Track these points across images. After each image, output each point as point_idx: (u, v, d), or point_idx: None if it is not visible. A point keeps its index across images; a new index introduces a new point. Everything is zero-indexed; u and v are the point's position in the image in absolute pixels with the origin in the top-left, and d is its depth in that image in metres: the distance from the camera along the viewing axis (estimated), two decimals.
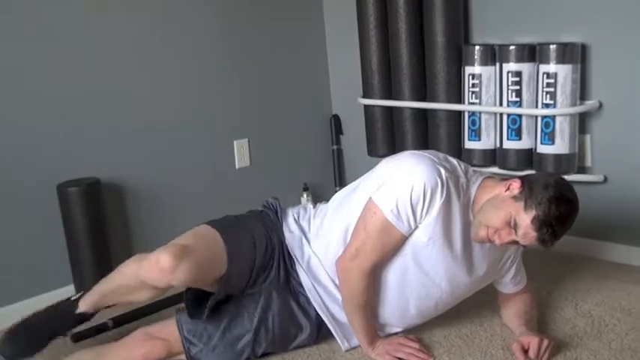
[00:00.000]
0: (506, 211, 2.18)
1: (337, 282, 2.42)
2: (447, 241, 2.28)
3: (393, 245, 2.29)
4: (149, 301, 2.40)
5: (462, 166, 2.33)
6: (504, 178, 2.31)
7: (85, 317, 2.44)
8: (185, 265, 2.17)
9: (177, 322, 2.41)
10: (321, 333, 2.49)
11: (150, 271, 2.18)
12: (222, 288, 2.34)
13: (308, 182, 3.91)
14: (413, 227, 2.25)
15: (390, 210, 2.22)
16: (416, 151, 2.37)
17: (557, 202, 2.13)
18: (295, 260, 2.47)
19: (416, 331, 2.53)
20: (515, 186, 2.20)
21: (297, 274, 2.46)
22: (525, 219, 2.15)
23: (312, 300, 2.44)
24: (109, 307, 2.49)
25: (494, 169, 3.35)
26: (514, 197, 2.18)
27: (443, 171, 2.21)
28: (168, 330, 2.42)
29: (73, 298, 2.47)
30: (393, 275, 2.36)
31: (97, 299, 2.42)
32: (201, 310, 2.36)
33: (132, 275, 2.29)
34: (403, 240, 2.27)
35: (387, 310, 2.43)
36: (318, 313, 2.45)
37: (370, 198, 2.27)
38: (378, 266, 2.33)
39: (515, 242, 2.22)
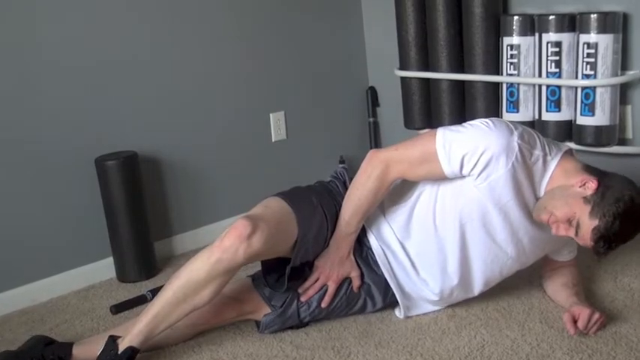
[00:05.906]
0: (572, 208, 2.18)
1: (406, 246, 2.44)
2: (514, 207, 2.27)
3: (426, 174, 2.31)
4: (210, 302, 2.26)
5: (542, 139, 2.29)
6: (584, 166, 2.27)
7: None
8: (260, 230, 2.18)
9: (257, 287, 2.46)
10: (386, 301, 2.51)
11: (228, 239, 2.17)
12: (297, 253, 2.35)
13: (344, 155, 3.90)
14: (457, 172, 2.24)
15: (442, 145, 2.22)
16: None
17: (623, 220, 2.13)
18: (365, 226, 2.48)
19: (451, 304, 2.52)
20: (591, 187, 2.18)
21: (368, 240, 2.49)
22: (587, 225, 2.16)
23: (380, 265, 2.46)
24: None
25: None
26: (585, 198, 2.17)
27: (517, 139, 2.19)
28: (241, 290, 2.47)
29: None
30: (457, 239, 2.35)
31: (146, 324, 2.22)
32: (276, 278, 2.40)
33: (199, 269, 2.21)
34: (441, 177, 2.28)
35: (452, 274, 2.41)
36: (386, 282, 2.47)
37: (438, 128, 2.29)
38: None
39: (570, 237, 2.24)
